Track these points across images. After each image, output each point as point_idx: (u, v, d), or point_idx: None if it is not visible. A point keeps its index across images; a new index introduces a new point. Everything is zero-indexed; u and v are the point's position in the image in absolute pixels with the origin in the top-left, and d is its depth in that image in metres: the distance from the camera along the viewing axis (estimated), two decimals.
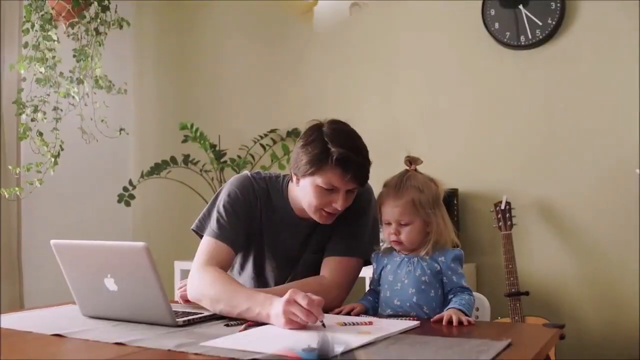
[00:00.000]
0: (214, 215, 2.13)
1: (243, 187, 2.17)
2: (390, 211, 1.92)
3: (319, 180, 1.98)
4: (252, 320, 1.77)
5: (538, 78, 3.59)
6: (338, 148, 1.96)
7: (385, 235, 1.96)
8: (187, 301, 2.08)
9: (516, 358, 1.38)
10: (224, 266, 2.06)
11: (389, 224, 1.93)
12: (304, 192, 2.05)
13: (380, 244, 2.09)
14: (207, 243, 2.09)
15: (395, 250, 1.97)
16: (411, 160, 2.00)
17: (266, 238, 2.20)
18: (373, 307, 1.99)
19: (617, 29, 3.42)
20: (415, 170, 1.99)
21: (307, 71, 4.25)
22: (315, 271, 2.17)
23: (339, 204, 2.00)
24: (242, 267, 2.28)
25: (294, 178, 2.09)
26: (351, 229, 2.15)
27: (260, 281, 2.25)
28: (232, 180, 2.21)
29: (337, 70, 4.15)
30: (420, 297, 1.88)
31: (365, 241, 2.15)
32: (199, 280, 1.99)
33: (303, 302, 1.64)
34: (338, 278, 2.10)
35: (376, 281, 2.01)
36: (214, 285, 1.93)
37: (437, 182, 1.97)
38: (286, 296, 1.68)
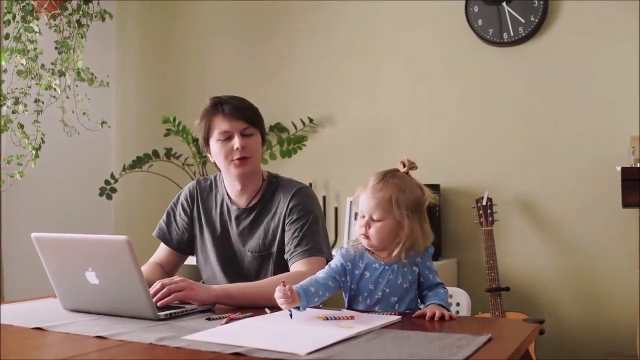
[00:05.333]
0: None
1: (184, 192, 2.44)
2: (365, 202, 1.85)
3: (214, 135, 2.23)
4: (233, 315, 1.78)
5: (521, 75, 3.62)
6: (210, 100, 2.27)
7: (357, 227, 1.90)
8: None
9: (496, 353, 1.39)
10: (161, 262, 2.41)
11: (363, 216, 1.86)
12: (216, 157, 2.28)
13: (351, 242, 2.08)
14: None
15: (368, 251, 1.89)
16: (405, 163, 1.90)
17: (208, 237, 2.37)
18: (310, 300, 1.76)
19: (599, 27, 3.45)
20: (407, 173, 1.90)
21: (291, 66, 4.24)
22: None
23: (237, 144, 2.20)
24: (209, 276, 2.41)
25: (210, 157, 2.34)
26: (302, 233, 2.20)
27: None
28: None
29: (321, 66, 4.15)
30: (402, 304, 1.86)
31: (321, 241, 2.21)
32: None
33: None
34: (315, 271, 2.10)
35: (349, 282, 1.88)
36: None
37: (424, 189, 1.89)
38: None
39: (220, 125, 2.22)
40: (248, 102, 2.31)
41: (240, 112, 2.23)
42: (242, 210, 2.32)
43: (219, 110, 2.23)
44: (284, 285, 1.67)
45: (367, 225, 1.84)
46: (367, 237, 1.85)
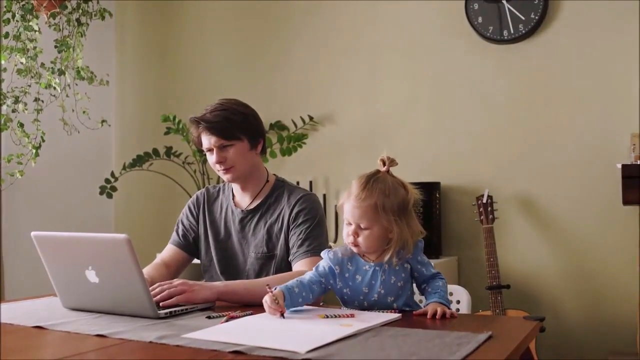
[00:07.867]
0: None
1: (192, 197, 2.49)
2: (350, 211, 1.80)
3: (203, 149, 2.30)
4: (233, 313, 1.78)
5: (520, 72, 3.61)
6: (190, 120, 2.30)
7: (344, 234, 1.85)
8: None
9: (497, 351, 1.39)
10: (166, 261, 2.37)
11: (349, 223, 1.81)
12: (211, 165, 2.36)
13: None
14: None
15: (358, 255, 1.86)
16: (384, 161, 1.84)
17: (212, 239, 2.39)
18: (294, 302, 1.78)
19: (599, 25, 3.45)
20: (388, 172, 1.84)
21: (290, 64, 4.24)
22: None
23: (214, 159, 2.26)
24: (212, 277, 2.40)
25: None
26: (306, 234, 2.24)
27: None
28: None
29: (320, 64, 4.15)
30: (399, 301, 1.84)
31: (323, 243, 2.24)
32: None
33: None
34: None
35: (338, 285, 1.86)
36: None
37: (408, 187, 1.83)
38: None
39: (203, 141, 2.28)
40: (226, 111, 2.27)
41: (214, 129, 2.24)
42: (245, 212, 2.34)
43: (199, 127, 2.26)
44: (270, 289, 1.72)
45: (356, 234, 1.80)
46: (356, 245, 1.82)
